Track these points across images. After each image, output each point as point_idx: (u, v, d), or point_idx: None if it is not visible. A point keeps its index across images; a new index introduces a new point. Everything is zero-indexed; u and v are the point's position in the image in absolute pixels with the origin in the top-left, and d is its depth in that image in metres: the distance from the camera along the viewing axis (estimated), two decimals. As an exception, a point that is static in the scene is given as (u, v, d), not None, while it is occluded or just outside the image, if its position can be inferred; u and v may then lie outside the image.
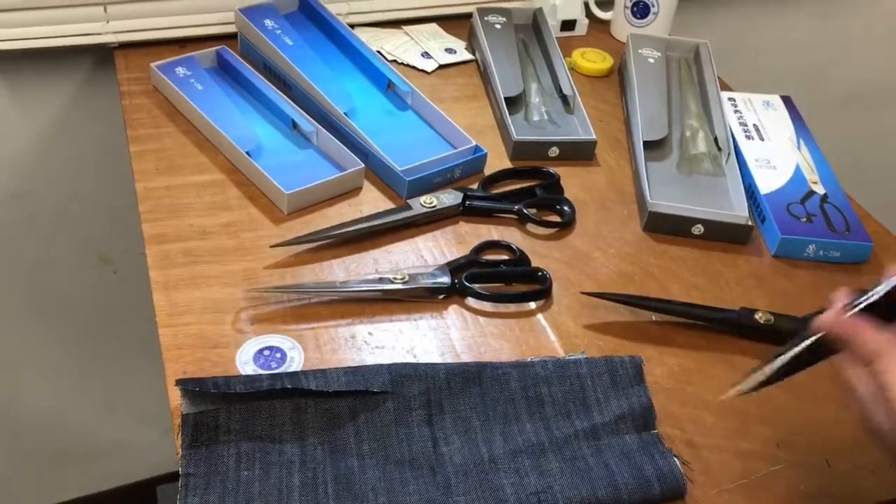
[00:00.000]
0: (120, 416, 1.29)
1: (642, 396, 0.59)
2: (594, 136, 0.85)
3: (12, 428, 1.22)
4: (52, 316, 1.14)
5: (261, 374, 0.57)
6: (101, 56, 0.93)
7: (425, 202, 0.74)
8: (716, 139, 0.85)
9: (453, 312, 0.66)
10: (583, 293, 0.68)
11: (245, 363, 0.59)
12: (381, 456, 0.54)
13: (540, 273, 0.69)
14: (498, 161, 0.83)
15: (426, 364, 0.59)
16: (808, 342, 0.50)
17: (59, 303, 1.13)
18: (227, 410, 0.54)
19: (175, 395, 0.56)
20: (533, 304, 0.68)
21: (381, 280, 0.66)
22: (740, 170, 0.82)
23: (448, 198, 0.75)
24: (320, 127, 0.79)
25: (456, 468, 0.54)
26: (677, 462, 0.56)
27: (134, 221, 1.05)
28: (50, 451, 1.27)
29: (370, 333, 0.63)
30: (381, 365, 0.58)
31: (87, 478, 1.33)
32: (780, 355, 0.51)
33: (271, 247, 0.68)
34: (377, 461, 0.54)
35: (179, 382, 0.54)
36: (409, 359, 0.62)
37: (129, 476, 1.35)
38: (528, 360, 0.61)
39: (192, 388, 0.54)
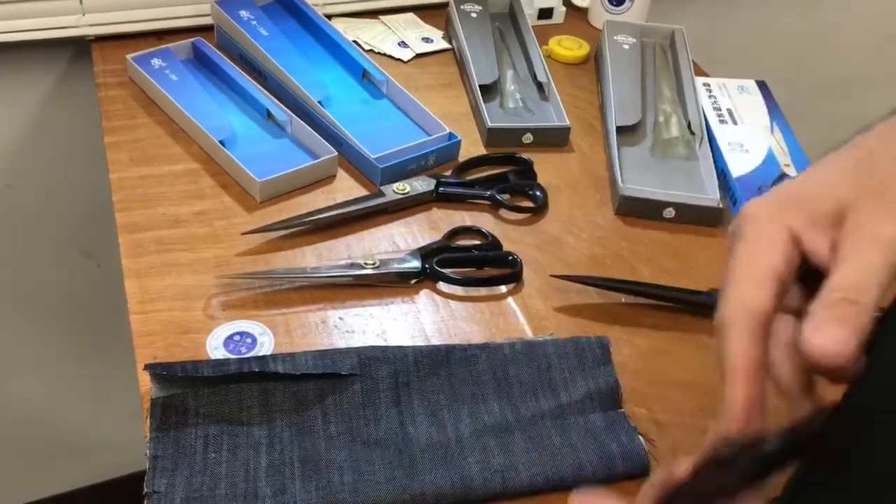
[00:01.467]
0: (109, 410, 1.29)
1: (609, 376, 0.60)
2: (568, 123, 0.85)
3: (1, 422, 1.22)
4: (38, 311, 1.15)
5: (229, 359, 0.58)
6: (79, 49, 0.94)
7: (398, 189, 0.75)
8: (689, 124, 0.86)
9: (424, 297, 0.67)
10: (552, 276, 0.69)
11: (215, 348, 0.60)
12: (348, 437, 0.55)
13: (511, 257, 0.70)
14: (473, 148, 0.83)
15: (395, 347, 0.59)
16: None
17: (44, 298, 1.13)
18: (196, 394, 0.55)
19: (145, 381, 0.56)
20: (504, 288, 0.69)
21: (352, 265, 0.67)
22: (713, 153, 0.82)
23: (421, 184, 0.76)
24: (294, 116, 0.80)
25: (422, 448, 0.54)
26: (641, 440, 0.56)
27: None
28: (37, 445, 1.28)
29: (341, 318, 0.64)
30: (350, 348, 0.59)
31: (77, 471, 1.33)
32: None
33: (243, 234, 0.69)
34: (344, 442, 0.54)
35: (148, 367, 0.55)
36: (380, 343, 0.62)
37: (118, 470, 1.36)
38: (497, 342, 0.62)
39: (161, 371, 0.55)
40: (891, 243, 0.35)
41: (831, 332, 0.33)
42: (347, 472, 0.52)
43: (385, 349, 0.59)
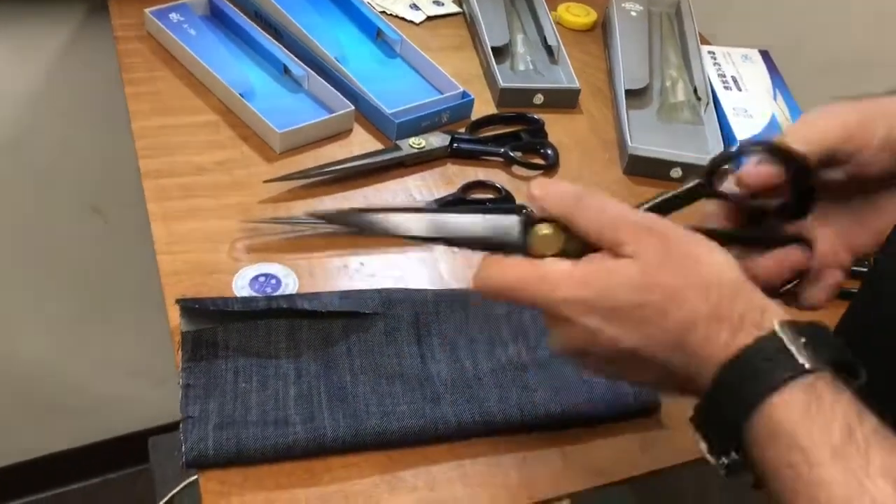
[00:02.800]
0: (112, 368, 1.31)
1: None
2: (577, 85, 0.87)
3: (5, 379, 1.24)
4: (44, 267, 1.16)
5: (257, 297, 0.60)
6: (95, 3, 0.94)
7: (414, 143, 0.77)
8: (695, 89, 0.88)
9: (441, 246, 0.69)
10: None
11: (242, 288, 0.62)
12: (372, 371, 0.57)
13: (524, 210, 0.72)
14: (484, 108, 0.85)
15: (416, 289, 0.62)
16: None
17: (51, 254, 1.15)
18: (225, 329, 0.57)
19: (174, 316, 0.58)
20: (517, 239, 0.71)
21: (371, 214, 0.69)
22: (718, 118, 0.85)
23: (436, 140, 0.78)
24: (311, 71, 0.81)
25: (443, 382, 0.57)
26: None
27: (125, 172, 1.07)
28: (43, 402, 1.29)
29: (362, 263, 0.66)
30: (373, 289, 0.61)
31: (79, 429, 1.35)
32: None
33: (265, 182, 0.70)
34: (368, 376, 0.56)
35: (180, 301, 0.57)
36: (400, 286, 0.64)
37: (121, 428, 1.37)
38: None
39: (192, 305, 0.56)
40: None
41: None
42: (373, 403, 0.54)
43: (407, 291, 0.61)
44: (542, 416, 0.56)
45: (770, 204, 0.46)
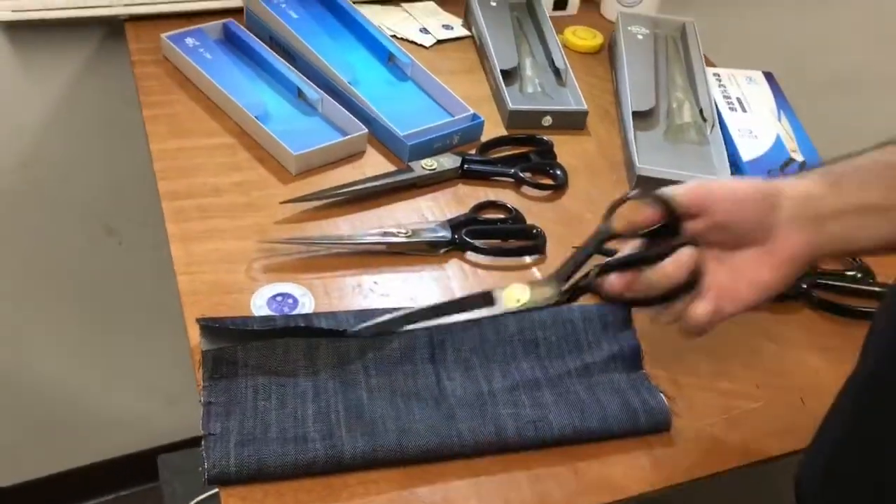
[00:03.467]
0: (123, 387, 1.32)
1: (631, 340, 0.63)
2: (585, 107, 0.89)
3: (18, 397, 1.25)
4: (57, 286, 1.17)
5: (275, 316, 0.61)
6: (112, 28, 0.96)
7: (426, 165, 0.78)
8: (701, 110, 0.90)
9: (454, 265, 0.70)
10: (575, 247, 0.72)
11: (259, 307, 0.63)
12: (388, 389, 0.58)
13: (534, 230, 0.74)
14: (494, 129, 0.87)
15: (430, 307, 0.63)
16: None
17: (64, 273, 1.16)
18: (244, 348, 0.58)
19: (194, 335, 0.60)
20: (528, 259, 0.72)
21: (385, 234, 0.70)
22: (724, 139, 0.86)
23: (448, 161, 0.79)
24: (325, 94, 0.83)
25: (458, 400, 0.58)
26: (663, 397, 0.60)
27: (139, 193, 1.09)
28: (54, 420, 1.30)
29: (376, 283, 0.67)
30: (388, 308, 0.62)
31: (89, 447, 1.36)
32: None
33: (281, 203, 0.72)
34: (384, 394, 0.58)
35: (200, 321, 0.58)
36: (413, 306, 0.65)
37: (131, 445, 1.38)
38: None
39: (212, 325, 0.58)
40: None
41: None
42: (390, 420, 0.56)
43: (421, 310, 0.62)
44: (556, 433, 0.57)
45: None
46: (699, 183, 0.56)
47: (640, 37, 0.99)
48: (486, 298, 0.59)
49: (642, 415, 0.58)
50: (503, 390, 0.59)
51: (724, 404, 0.62)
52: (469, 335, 0.62)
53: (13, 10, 0.90)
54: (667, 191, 0.56)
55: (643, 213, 0.56)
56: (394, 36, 0.98)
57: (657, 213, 0.56)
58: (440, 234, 0.71)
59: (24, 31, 0.94)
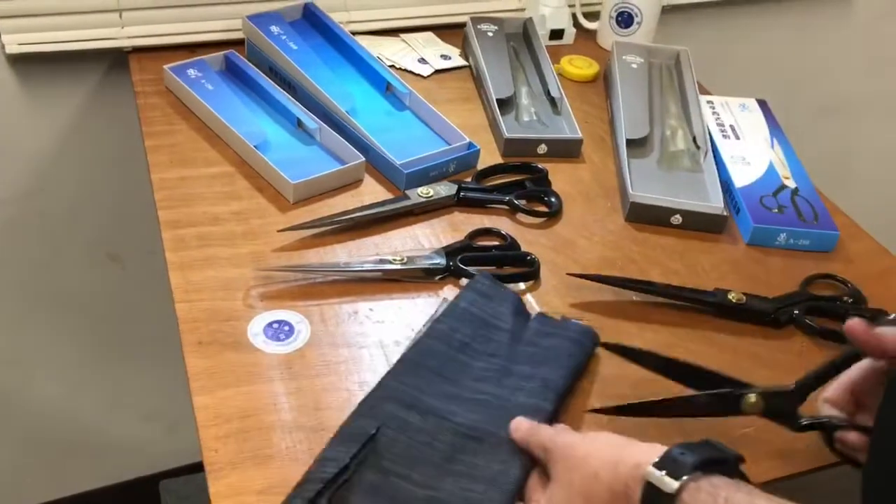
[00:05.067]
0: (125, 413, 1.33)
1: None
2: (580, 135, 0.90)
3: (20, 422, 1.26)
4: (61, 312, 1.18)
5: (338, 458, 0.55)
6: (116, 60, 0.98)
7: (422, 193, 0.79)
8: (694, 138, 0.91)
9: (449, 292, 0.71)
10: (569, 274, 0.73)
11: (256, 334, 0.64)
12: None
13: (529, 257, 0.75)
14: (490, 157, 0.88)
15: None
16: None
17: (68, 300, 1.17)
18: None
19: (192, 362, 0.61)
20: (523, 285, 0.73)
21: (381, 261, 0.71)
22: (717, 166, 0.87)
23: (444, 189, 0.81)
24: (323, 124, 0.85)
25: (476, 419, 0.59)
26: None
27: (142, 220, 1.10)
28: (56, 445, 1.31)
29: (371, 309, 0.68)
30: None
31: (92, 472, 1.36)
32: None
33: (279, 231, 0.73)
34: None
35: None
36: (408, 333, 0.66)
37: (133, 471, 1.39)
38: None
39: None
40: None
41: None
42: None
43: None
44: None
45: None
46: None
47: (634, 66, 1.00)
48: None
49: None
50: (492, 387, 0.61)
51: (719, 430, 0.63)
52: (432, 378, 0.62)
53: (19, 44, 0.92)
54: None
55: None
56: (392, 66, 1.00)
57: None
58: (436, 262, 0.72)
59: (31, 62, 0.96)
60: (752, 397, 0.57)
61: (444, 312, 0.66)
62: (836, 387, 0.56)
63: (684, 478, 0.45)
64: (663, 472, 0.46)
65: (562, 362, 0.63)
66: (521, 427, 0.56)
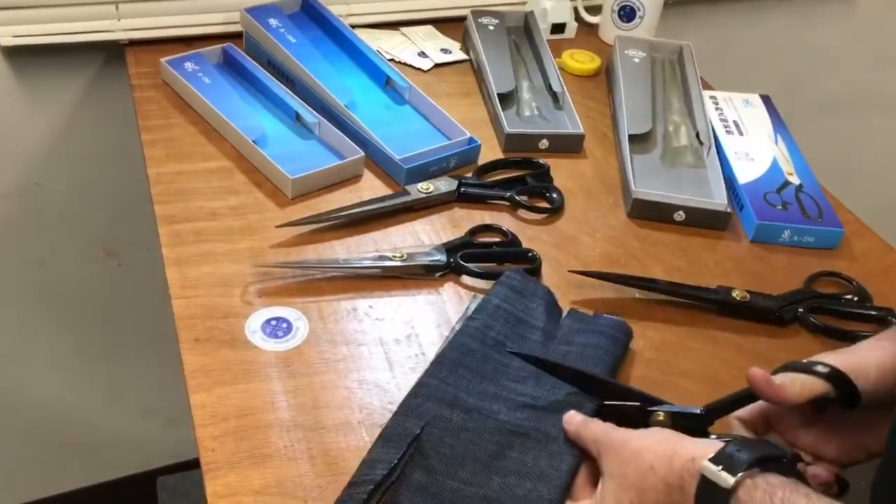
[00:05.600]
0: (122, 408, 1.32)
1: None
2: (582, 130, 0.89)
3: (17, 418, 1.25)
4: (57, 308, 1.17)
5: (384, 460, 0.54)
6: (112, 53, 0.97)
7: (422, 188, 0.78)
8: (697, 133, 0.90)
9: (449, 289, 0.70)
10: (570, 271, 0.72)
11: (253, 332, 0.63)
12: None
13: (530, 254, 0.74)
14: (491, 153, 0.87)
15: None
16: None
17: (65, 295, 1.16)
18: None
19: (189, 359, 0.60)
20: (524, 282, 0.72)
21: (380, 258, 0.70)
22: (720, 162, 0.86)
23: (444, 185, 0.80)
24: (322, 118, 0.84)
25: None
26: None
27: (139, 215, 1.09)
28: (53, 441, 1.30)
29: (370, 307, 0.67)
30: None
31: (89, 468, 1.35)
32: None
33: (277, 227, 0.72)
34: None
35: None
36: (407, 330, 0.65)
37: (131, 467, 1.38)
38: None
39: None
40: None
41: None
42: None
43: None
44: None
45: None
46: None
47: (636, 60, 0.99)
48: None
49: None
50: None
51: (723, 429, 0.62)
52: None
53: (14, 36, 0.91)
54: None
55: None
56: (392, 60, 0.99)
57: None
58: (436, 258, 0.71)
59: (26, 55, 0.95)
60: (661, 415, 0.56)
61: (476, 309, 0.65)
62: (749, 407, 0.56)
63: (740, 474, 0.44)
64: (720, 468, 0.45)
65: (598, 360, 0.63)
66: (574, 420, 0.56)
